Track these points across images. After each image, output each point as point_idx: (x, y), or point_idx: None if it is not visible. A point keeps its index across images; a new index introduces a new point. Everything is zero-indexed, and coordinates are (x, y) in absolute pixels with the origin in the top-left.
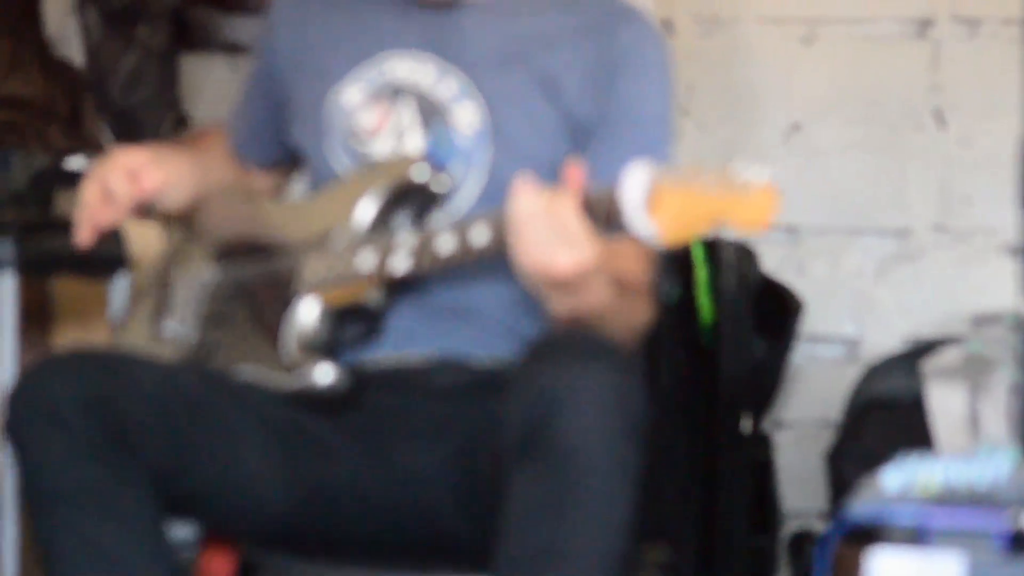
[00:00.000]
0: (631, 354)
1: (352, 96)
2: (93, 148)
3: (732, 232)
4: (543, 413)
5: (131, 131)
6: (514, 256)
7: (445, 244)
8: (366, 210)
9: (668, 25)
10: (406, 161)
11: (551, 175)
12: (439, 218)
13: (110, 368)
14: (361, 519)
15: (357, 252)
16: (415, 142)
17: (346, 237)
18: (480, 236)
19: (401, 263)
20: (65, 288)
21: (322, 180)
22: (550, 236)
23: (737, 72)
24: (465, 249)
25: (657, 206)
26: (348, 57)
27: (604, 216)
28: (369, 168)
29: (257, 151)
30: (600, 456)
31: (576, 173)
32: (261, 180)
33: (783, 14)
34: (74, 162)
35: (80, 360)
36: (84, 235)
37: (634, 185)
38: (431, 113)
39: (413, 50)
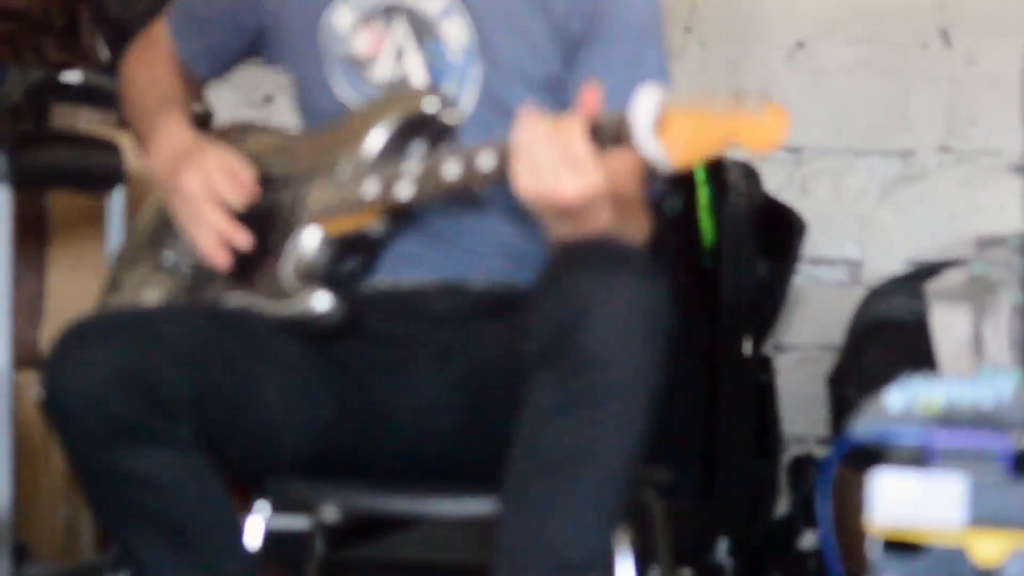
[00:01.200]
0: (655, 261)
1: (344, 19)
2: (90, 61)
3: (737, 152)
4: (570, 319)
5: (128, 44)
6: (518, 182)
7: (450, 171)
8: (375, 141)
9: None
10: (417, 92)
11: (544, 91)
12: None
13: (142, 335)
14: (372, 447)
15: (362, 180)
16: (413, 62)
17: (353, 166)
18: (486, 162)
19: (405, 190)
20: (61, 202)
21: (322, 105)
22: (555, 162)
23: None
24: (470, 175)
25: (666, 129)
26: None
27: (612, 140)
28: (379, 99)
29: (207, 67)
30: (624, 361)
31: (592, 96)
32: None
33: None
34: (70, 75)
35: (111, 331)
36: (223, 258)
37: (643, 108)
38: (422, 31)
39: None
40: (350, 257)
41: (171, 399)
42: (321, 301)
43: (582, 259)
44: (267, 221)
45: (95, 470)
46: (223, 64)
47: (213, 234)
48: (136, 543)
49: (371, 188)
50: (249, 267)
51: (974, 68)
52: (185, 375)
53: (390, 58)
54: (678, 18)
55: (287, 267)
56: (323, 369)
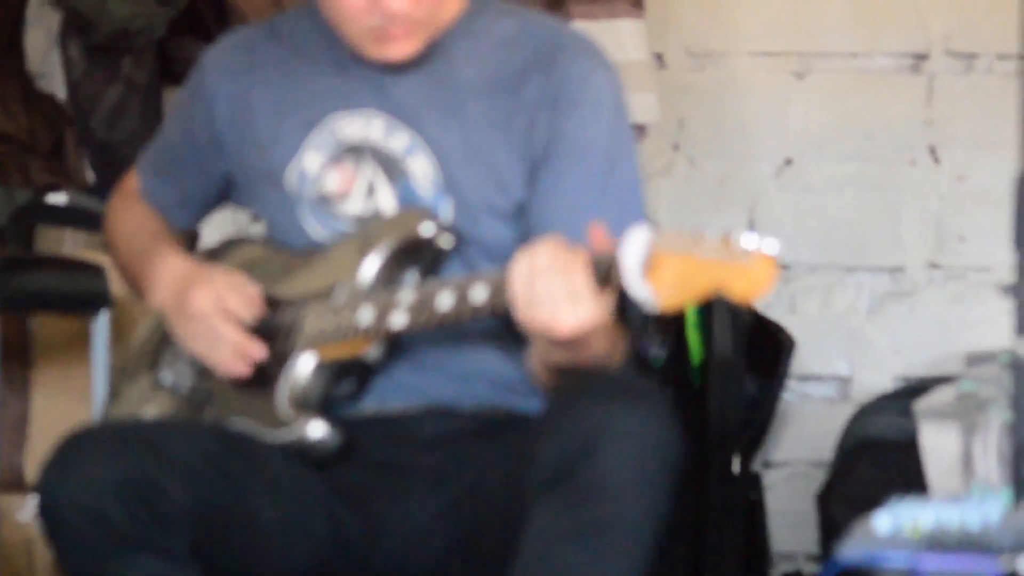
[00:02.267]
0: (667, 397)
1: (312, 162)
2: (75, 183)
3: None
4: (580, 447)
5: (114, 166)
6: (517, 311)
7: (444, 302)
8: (371, 266)
9: (659, 59)
10: (413, 216)
11: (512, 220)
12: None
13: (143, 446)
14: (364, 571)
15: (358, 307)
16: (385, 197)
17: (349, 292)
18: (479, 295)
19: (399, 319)
20: (45, 325)
21: (295, 245)
22: (558, 294)
23: (729, 106)
24: (463, 307)
25: (655, 271)
26: (300, 123)
27: (603, 277)
28: (375, 223)
29: (184, 218)
30: (634, 492)
31: (599, 233)
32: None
33: (776, 48)
34: (55, 197)
35: (112, 441)
36: (244, 370)
37: (632, 249)
38: (390, 168)
39: (360, 109)
40: (344, 381)
41: (170, 511)
42: (316, 429)
43: (592, 388)
44: (265, 342)
45: None
46: (198, 212)
47: (230, 348)
48: None
49: (366, 315)
50: (246, 391)
51: (963, 184)
52: (185, 488)
53: (362, 194)
54: (666, 135)
55: (283, 394)
56: (318, 492)
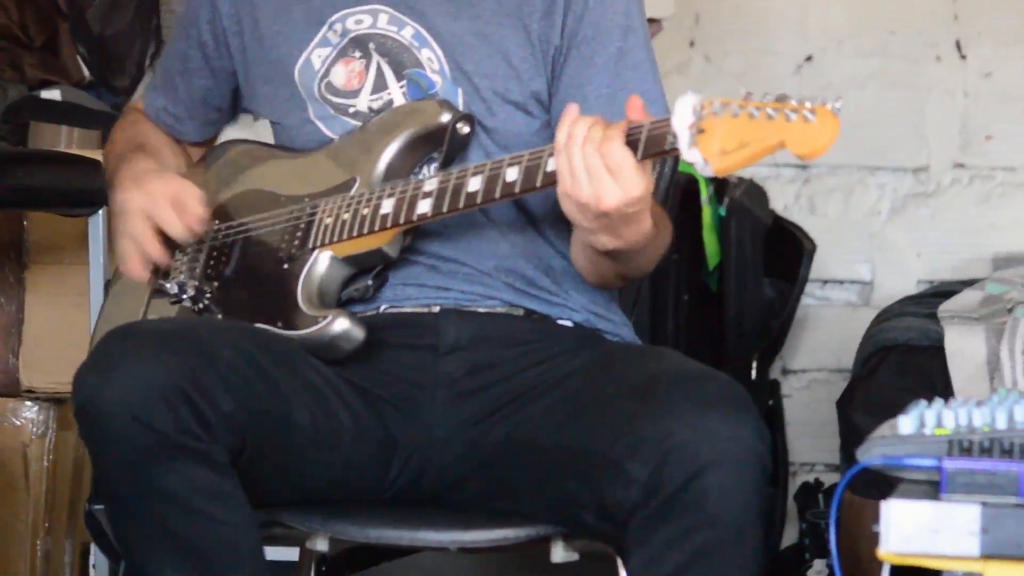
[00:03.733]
0: (750, 398)
1: (319, 57)
2: (70, 79)
3: (777, 158)
4: (682, 471)
5: (108, 61)
6: (560, 188)
7: (473, 183)
8: (390, 156)
9: None
10: (430, 105)
11: (528, 109)
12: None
13: (189, 348)
14: (381, 478)
15: (380, 198)
16: (396, 89)
17: (368, 184)
18: (511, 174)
19: (425, 206)
20: (41, 224)
21: (308, 143)
22: (598, 168)
23: (747, 0)
24: (492, 187)
25: (707, 135)
26: (305, 18)
27: (646, 149)
28: (391, 115)
29: (194, 130)
30: (741, 515)
31: (638, 106)
32: (195, 155)
33: None
34: (50, 93)
35: (158, 342)
36: (137, 269)
37: (681, 116)
38: (399, 61)
39: (366, 3)
40: (360, 279)
41: (214, 417)
42: (339, 324)
43: (682, 397)
44: (275, 244)
45: (127, 485)
46: (207, 119)
47: (134, 248)
48: (153, 565)
49: (388, 205)
50: (259, 294)
51: (989, 81)
52: (230, 392)
53: (371, 88)
54: (681, 31)
55: (302, 291)
56: (344, 395)
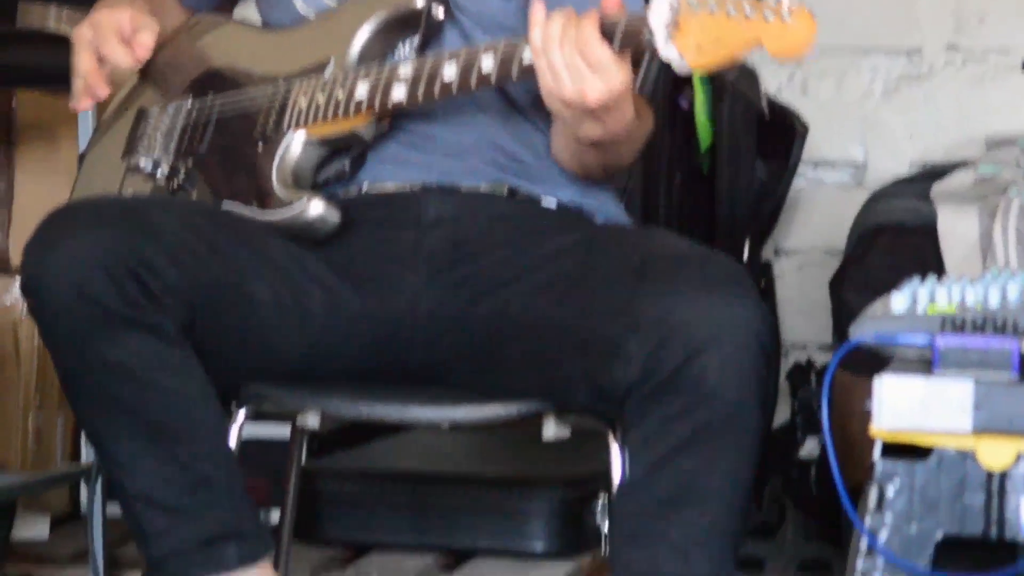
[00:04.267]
0: (751, 279)
1: None
2: None
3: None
4: (682, 350)
5: None
6: (542, 87)
7: (448, 71)
8: (364, 38)
9: None
10: None
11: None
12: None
13: (132, 221)
14: (361, 354)
15: (354, 81)
16: None
17: (342, 66)
18: (487, 63)
19: (399, 91)
20: (30, 103)
21: (283, 20)
22: (577, 66)
23: None
24: (468, 76)
25: (682, 31)
26: None
27: (623, 41)
28: None
29: None
30: (743, 393)
31: (613, 1)
32: None
33: None
34: None
35: (100, 216)
36: (84, 104)
37: (657, 10)
38: None
39: None
40: (335, 160)
41: (159, 288)
42: (314, 207)
43: (682, 277)
44: (248, 123)
45: (75, 359)
46: None
47: (80, 81)
48: (112, 439)
49: (362, 89)
50: (233, 173)
51: None
52: (176, 264)
53: None
54: None
55: (275, 173)
56: (315, 269)
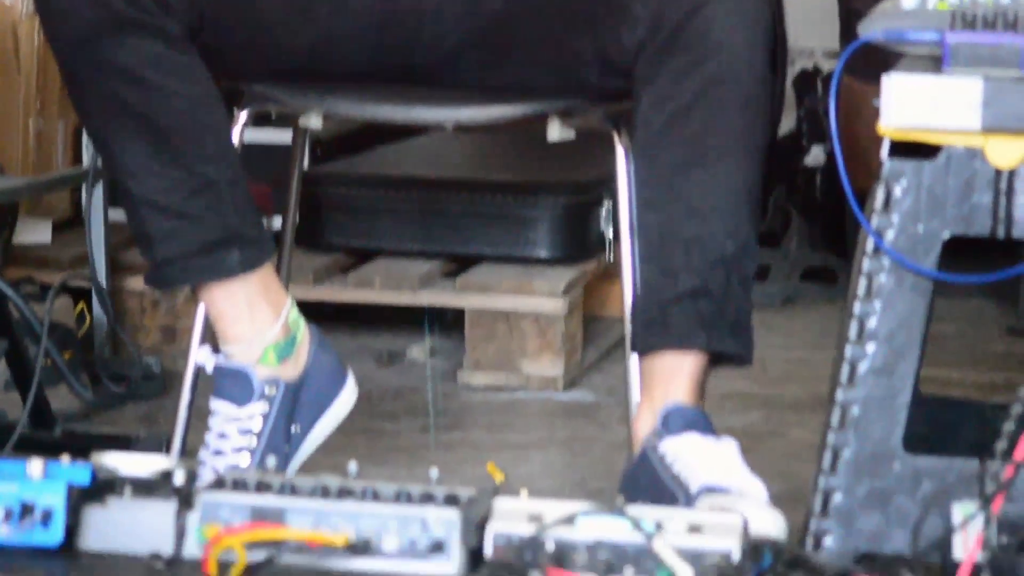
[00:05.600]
0: None
1: None
2: None
3: None
4: (687, 3)
5: None
6: None
7: None
8: None
9: None
10: None
11: None
12: None
13: None
14: (369, 54)
15: None
16: None
17: None
18: None
19: None
20: None
21: None
22: None
23: None
24: None
25: None
26: None
27: None
28: None
29: None
30: (748, 44)
31: None
32: None
33: None
34: None
35: None
36: None
37: None
38: None
39: None
40: None
41: None
42: None
43: None
44: None
45: (81, 62)
46: None
47: None
48: (117, 143)
49: None
50: None
51: None
52: None
53: None
54: None
55: None
56: None
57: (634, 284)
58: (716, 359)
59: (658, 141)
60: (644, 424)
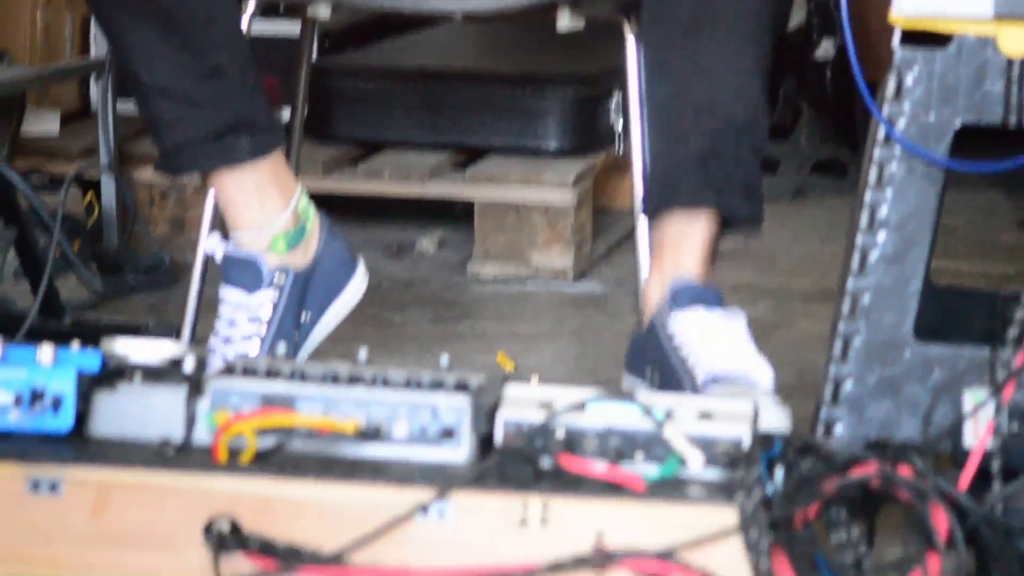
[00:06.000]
0: None
1: None
2: None
3: None
4: None
5: None
6: None
7: None
8: None
9: None
10: None
11: None
12: None
13: None
14: None
15: None
16: None
17: None
18: None
19: None
20: None
21: None
22: None
23: None
24: None
25: None
26: None
27: None
28: None
29: None
30: None
31: None
32: None
33: None
34: None
35: None
36: None
37: None
38: None
39: None
40: None
41: None
42: None
43: None
44: None
45: None
46: None
47: None
48: (126, 30)
49: None
50: None
51: None
52: None
53: None
54: None
55: None
56: None
57: (643, 160)
58: (726, 224)
59: (668, 2)
60: (653, 292)
